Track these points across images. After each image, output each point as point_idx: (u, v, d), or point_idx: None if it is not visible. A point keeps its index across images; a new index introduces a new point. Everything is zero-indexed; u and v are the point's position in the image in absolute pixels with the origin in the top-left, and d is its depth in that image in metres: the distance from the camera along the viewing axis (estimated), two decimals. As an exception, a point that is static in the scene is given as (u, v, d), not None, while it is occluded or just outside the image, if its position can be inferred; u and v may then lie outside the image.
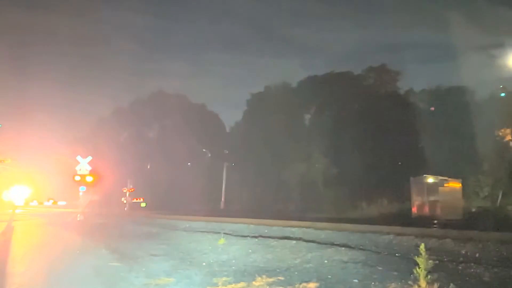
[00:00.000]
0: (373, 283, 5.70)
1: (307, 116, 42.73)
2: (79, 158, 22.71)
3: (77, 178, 22.46)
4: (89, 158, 22.91)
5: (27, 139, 59.74)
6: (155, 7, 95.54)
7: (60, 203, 73.91)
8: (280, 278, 6.26)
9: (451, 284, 5.43)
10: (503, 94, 29.52)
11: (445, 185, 22.36)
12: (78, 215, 22.88)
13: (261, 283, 5.95)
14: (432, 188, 21.97)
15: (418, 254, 5.41)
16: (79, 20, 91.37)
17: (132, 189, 49.72)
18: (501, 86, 29.93)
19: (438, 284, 5.20)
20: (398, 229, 12.55)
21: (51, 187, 70.58)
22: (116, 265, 7.88)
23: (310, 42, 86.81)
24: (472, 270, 6.46)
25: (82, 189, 23.23)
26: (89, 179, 22.62)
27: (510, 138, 28.36)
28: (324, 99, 38.00)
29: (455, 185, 23.02)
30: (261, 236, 12.40)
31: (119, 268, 7.56)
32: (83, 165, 22.51)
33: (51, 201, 77.29)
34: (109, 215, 29.31)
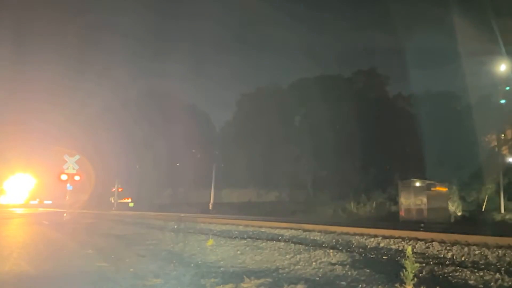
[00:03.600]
0: (360, 285, 5.73)
1: (297, 118, 42.86)
2: (66, 156, 22.44)
3: (64, 177, 22.19)
4: (77, 157, 22.66)
5: (14, 138, 58.63)
6: (148, 6, 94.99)
7: (46, 202, 72.87)
8: (268, 279, 6.25)
9: (437, 287, 5.49)
10: (503, 101, 27.72)
11: (432, 189, 22.62)
12: (65, 214, 22.60)
13: (249, 284, 5.92)
14: (420, 192, 22.22)
15: (405, 257, 5.46)
16: (73, 18, 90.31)
17: (121, 189, 49.35)
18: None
19: (424, 287, 5.25)
20: (385, 232, 12.70)
21: (37, 185, 69.63)
22: (102, 265, 7.78)
23: (301, 44, 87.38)
24: (458, 273, 6.55)
25: (69, 188, 22.96)
26: (77, 178, 22.38)
27: (496, 143, 28.86)
28: (314, 101, 38.17)
29: (441, 189, 23.34)
30: (249, 237, 12.39)
31: (105, 268, 7.46)
32: (71, 164, 22.25)
33: (37, 199, 76.26)
34: (96, 214, 28.97)
